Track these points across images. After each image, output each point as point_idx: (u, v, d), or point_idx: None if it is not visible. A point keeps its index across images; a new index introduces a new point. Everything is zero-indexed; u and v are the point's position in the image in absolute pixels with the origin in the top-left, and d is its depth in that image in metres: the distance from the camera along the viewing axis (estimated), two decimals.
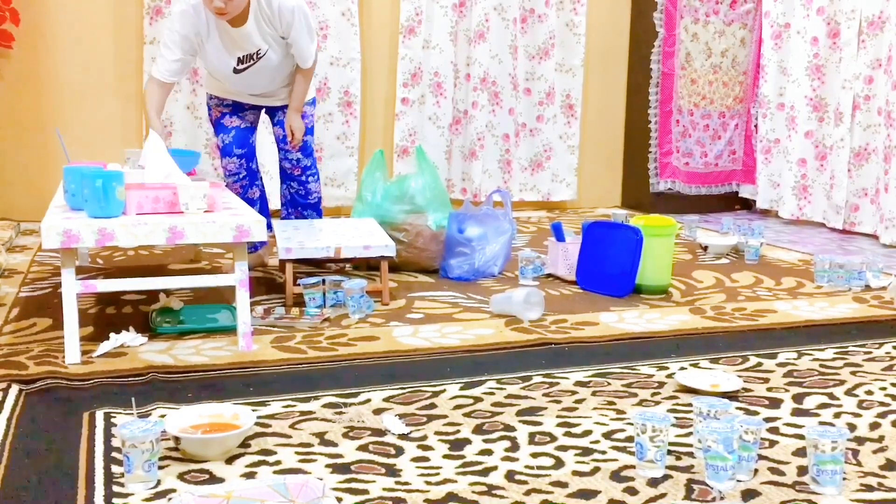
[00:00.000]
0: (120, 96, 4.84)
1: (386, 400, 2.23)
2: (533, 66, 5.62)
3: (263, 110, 3.63)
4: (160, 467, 1.78)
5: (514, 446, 1.96)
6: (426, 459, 1.88)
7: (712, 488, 1.75)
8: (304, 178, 3.64)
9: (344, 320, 2.95)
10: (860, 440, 2.03)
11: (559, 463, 1.88)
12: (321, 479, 1.74)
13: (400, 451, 1.92)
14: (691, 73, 5.66)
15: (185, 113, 4.92)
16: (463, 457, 1.90)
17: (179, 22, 3.20)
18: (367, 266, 3.68)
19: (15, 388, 2.23)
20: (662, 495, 1.73)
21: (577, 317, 3.05)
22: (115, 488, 1.72)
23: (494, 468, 1.84)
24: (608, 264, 3.41)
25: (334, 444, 1.95)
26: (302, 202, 3.71)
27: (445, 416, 2.13)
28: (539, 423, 2.09)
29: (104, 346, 2.54)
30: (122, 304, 3.09)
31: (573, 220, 5.11)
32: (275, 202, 4.61)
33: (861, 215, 4.97)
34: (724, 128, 5.80)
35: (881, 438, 2.04)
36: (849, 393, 2.35)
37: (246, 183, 3.55)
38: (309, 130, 3.60)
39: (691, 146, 5.74)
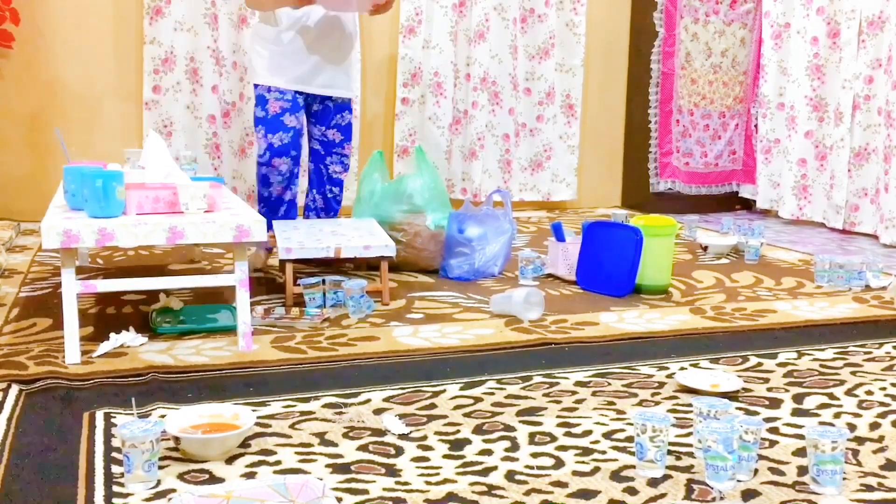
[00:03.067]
0: (120, 96, 4.84)
1: (386, 400, 2.23)
2: (533, 66, 5.62)
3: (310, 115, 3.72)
4: (160, 467, 1.78)
5: (514, 446, 1.96)
6: (426, 459, 1.88)
7: (712, 488, 1.75)
8: (343, 181, 3.81)
9: (344, 320, 2.95)
10: (860, 440, 2.03)
11: (559, 463, 1.88)
12: (321, 479, 1.74)
13: (400, 451, 1.92)
14: (691, 72, 5.66)
15: (185, 113, 4.92)
16: (463, 457, 1.90)
17: None
18: (366, 266, 3.68)
19: (15, 388, 2.23)
20: (662, 495, 1.73)
21: (577, 317, 3.05)
22: (115, 488, 1.72)
23: (494, 468, 1.84)
24: (608, 264, 3.41)
25: (334, 444, 1.95)
26: (335, 208, 3.83)
27: (445, 416, 2.13)
28: (539, 423, 2.09)
29: (104, 346, 2.54)
30: (122, 304, 3.09)
31: (573, 220, 5.11)
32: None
33: (861, 215, 4.97)
34: (724, 128, 5.80)
35: (881, 438, 2.04)
36: (849, 393, 2.35)
37: (286, 184, 3.60)
38: (349, 135, 3.74)
39: (691, 146, 5.74)
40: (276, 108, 3.51)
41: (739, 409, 2.21)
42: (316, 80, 3.59)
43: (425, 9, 5.29)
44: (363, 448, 1.93)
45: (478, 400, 2.25)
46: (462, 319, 3.00)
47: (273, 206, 3.62)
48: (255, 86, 3.59)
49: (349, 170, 3.83)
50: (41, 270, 3.62)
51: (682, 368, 2.52)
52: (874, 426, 2.12)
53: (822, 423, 2.13)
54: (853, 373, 2.52)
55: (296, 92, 3.55)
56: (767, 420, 2.14)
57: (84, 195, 2.47)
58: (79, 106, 4.76)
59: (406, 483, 1.76)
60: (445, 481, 1.78)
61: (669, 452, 1.90)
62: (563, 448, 1.95)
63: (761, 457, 1.91)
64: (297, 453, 1.90)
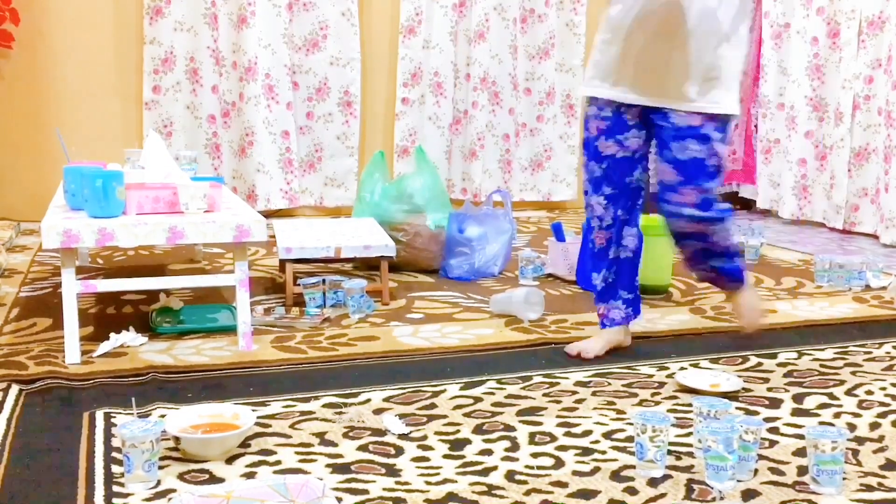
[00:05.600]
0: (120, 96, 4.84)
1: (386, 400, 2.23)
2: (533, 66, 5.62)
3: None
4: (160, 467, 1.78)
5: (514, 446, 1.96)
6: (426, 459, 1.88)
7: (712, 488, 1.75)
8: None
9: (344, 320, 2.95)
10: (860, 440, 2.03)
11: (559, 463, 1.88)
12: (321, 479, 1.74)
13: (400, 451, 1.92)
14: None
15: (185, 113, 4.92)
16: (463, 457, 1.90)
17: None
18: (366, 266, 3.68)
19: (15, 388, 2.23)
20: (662, 495, 1.73)
21: (577, 317, 3.05)
22: (115, 488, 1.72)
23: (494, 468, 1.84)
24: None
25: (334, 444, 1.95)
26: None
27: (445, 416, 2.13)
28: (539, 423, 2.09)
29: (104, 346, 2.54)
30: (122, 304, 3.09)
31: (573, 220, 5.11)
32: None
33: (861, 215, 4.97)
34: None
35: (881, 438, 2.04)
36: (849, 393, 2.35)
37: None
38: (708, 171, 2.56)
39: None
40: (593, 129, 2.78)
41: (739, 409, 2.21)
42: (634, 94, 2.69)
43: (425, 9, 5.29)
44: (363, 448, 1.93)
45: (478, 400, 2.25)
46: (462, 319, 3.00)
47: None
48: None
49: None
50: (41, 270, 3.62)
51: (682, 368, 2.52)
52: (874, 426, 2.12)
53: (822, 423, 2.13)
54: (853, 373, 2.52)
55: None
56: (767, 420, 2.14)
57: (84, 195, 2.47)
58: (79, 106, 4.76)
59: (406, 483, 1.76)
60: (445, 481, 1.78)
61: (669, 452, 1.90)
62: (563, 448, 1.95)
63: (761, 457, 1.90)
64: (297, 453, 1.90)
